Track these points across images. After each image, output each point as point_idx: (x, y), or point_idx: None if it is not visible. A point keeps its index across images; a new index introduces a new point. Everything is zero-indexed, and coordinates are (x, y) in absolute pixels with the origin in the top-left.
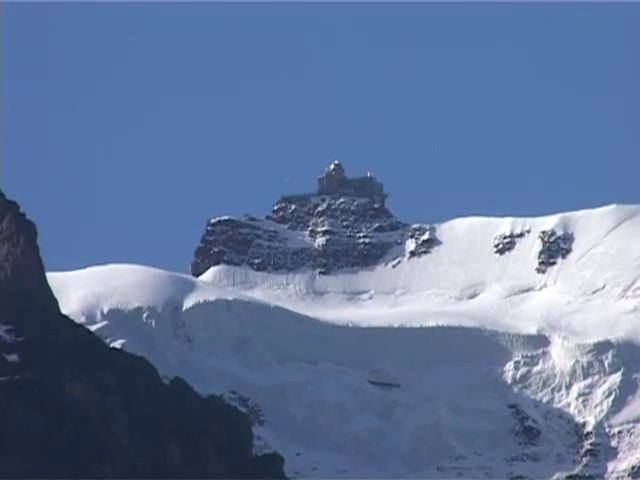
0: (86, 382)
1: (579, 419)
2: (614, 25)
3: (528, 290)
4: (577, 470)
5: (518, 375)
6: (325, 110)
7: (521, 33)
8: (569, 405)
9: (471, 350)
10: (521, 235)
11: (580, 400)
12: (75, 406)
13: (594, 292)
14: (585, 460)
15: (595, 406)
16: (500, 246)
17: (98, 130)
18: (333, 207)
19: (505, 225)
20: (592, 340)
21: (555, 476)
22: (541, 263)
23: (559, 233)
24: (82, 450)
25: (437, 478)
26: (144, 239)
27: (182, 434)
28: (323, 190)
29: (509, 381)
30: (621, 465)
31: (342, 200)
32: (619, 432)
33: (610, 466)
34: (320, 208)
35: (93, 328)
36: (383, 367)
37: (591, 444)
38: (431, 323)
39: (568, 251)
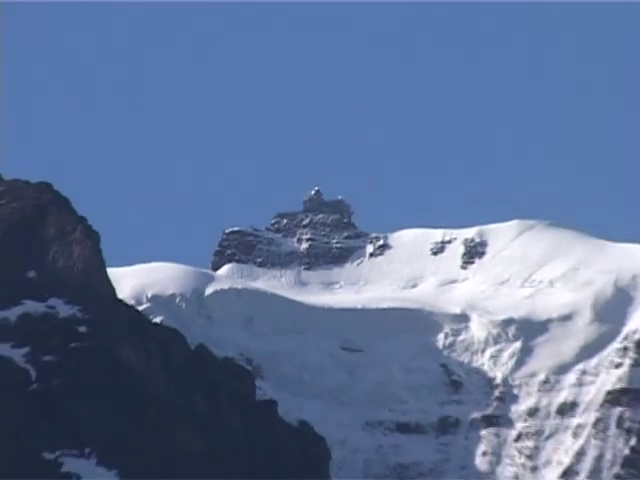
0: (136, 348)
1: (491, 374)
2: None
3: (454, 282)
4: (489, 411)
5: (447, 343)
6: (309, 146)
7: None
8: (484, 364)
9: (414, 325)
10: (449, 242)
11: (492, 361)
12: (128, 366)
13: (502, 283)
14: (495, 404)
15: (502, 365)
16: (434, 250)
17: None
18: (314, 221)
19: (438, 234)
20: (500, 317)
21: (473, 415)
22: (464, 262)
23: (477, 240)
24: (132, 399)
25: (389, 417)
26: (177, 244)
27: (205, 387)
28: (307, 209)
29: (441, 347)
30: (521, 407)
31: (321, 216)
32: (519, 384)
33: (513, 408)
34: (305, 222)
35: (140, 308)
36: (351, 337)
37: (499, 392)
38: (385, 305)
39: (483, 253)
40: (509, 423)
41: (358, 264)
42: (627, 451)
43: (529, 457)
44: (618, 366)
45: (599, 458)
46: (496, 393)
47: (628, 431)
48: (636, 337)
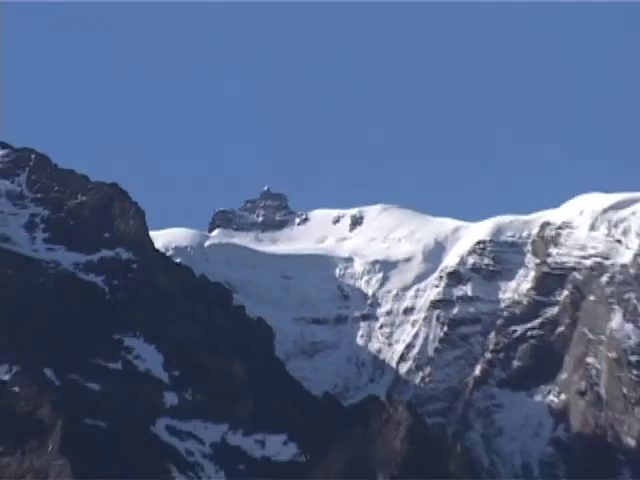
0: (166, 276)
1: (366, 291)
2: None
3: (345, 239)
4: (365, 312)
5: (341, 274)
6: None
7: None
8: (361, 285)
9: (322, 264)
10: (342, 217)
11: (366, 284)
12: (161, 286)
13: (371, 240)
14: (368, 308)
15: (372, 286)
16: (334, 221)
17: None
18: (266, 205)
19: (335, 212)
20: (371, 259)
21: (355, 314)
22: (350, 228)
23: (358, 216)
24: (159, 303)
25: (308, 315)
26: (188, 216)
27: (205, 295)
28: (262, 197)
29: (337, 276)
30: (382, 309)
31: (269, 202)
32: (381, 296)
33: (378, 310)
34: (261, 205)
35: (167, 254)
36: (286, 271)
37: (370, 301)
38: (306, 252)
39: (361, 223)
40: (376, 318)
41: (291, 229)
42: (442, 334)
43: (387, 338)
44: (436, 286)
45: (426, 338)
46: (369, 302)
47: (442, 323)
48: (447, 271)
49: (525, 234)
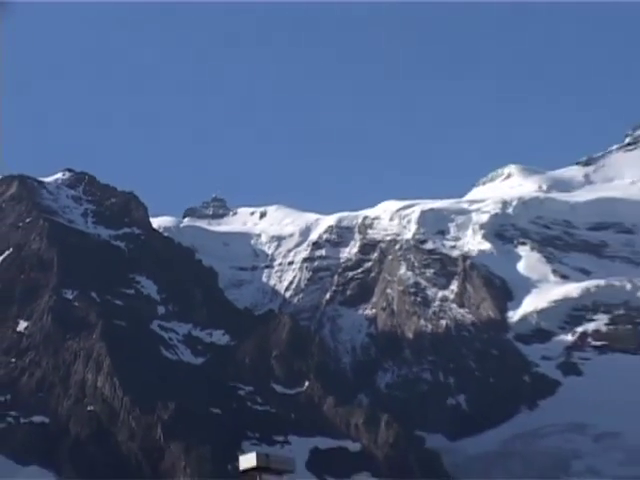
0: (162, 243)
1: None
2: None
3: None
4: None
5: (269, 247)
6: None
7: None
8: (281, 253)
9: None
10: (266, 213)
11: (282, 251)
12: (158, 249)
13: (280, 235)
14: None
15: (281, 247)
16: (260, 216)
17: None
18: (214, 204)
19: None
20: (285, 234)
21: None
22: (259, 218)
23: (273, 214)
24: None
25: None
26: (170, 208)
27: (184, 256)
28: (213, 200)
29: (265, 249)
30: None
31: (217, 203)
32: (285, 256)
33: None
34: (212, 204)
35: (165, 234)
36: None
37: (286, 259)
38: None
39: (265, 216)
40: (273, 267)
41: (228, 218)
42: (308, 276)
43: (279, 278)
44: (306, 250)
45: (300, 278)
46: (269, 258)
47: (309, 270)
48: (312, 242)
49: (354, 222)
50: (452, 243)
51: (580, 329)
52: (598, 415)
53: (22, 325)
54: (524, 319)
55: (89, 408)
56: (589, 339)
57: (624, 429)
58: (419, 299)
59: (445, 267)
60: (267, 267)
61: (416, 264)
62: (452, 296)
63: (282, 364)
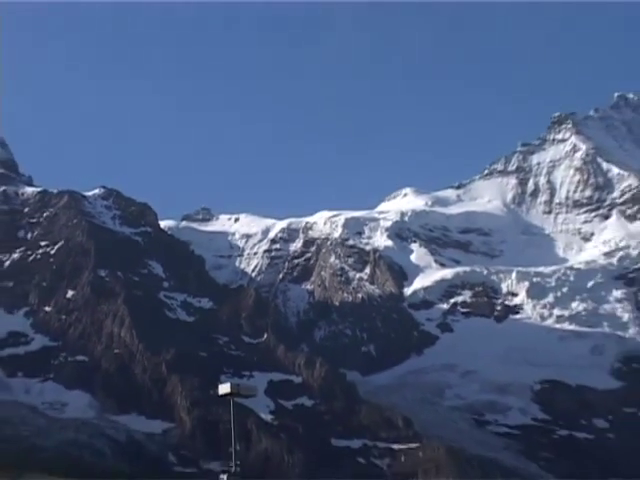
0: (164, 235)
1: (241, 243)
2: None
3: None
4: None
5: (241, 242)
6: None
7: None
8: (256, 244)
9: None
10: (238, 219)
11: (254, 242)
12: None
13: (246, 232)
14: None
15: (254, 237)
16: (234, 219)
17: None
18: (203, 213)
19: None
20: (259, 230)
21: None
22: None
23: (242, 218)
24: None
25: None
26: (172, 213)
27: (175, 246)
28: (202, 209)
29: (239, 244)
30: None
31: (204, 212)
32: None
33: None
34: (201, 212)
35: (168, 233)
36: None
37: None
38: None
39: (238, 220)
40: (243, 255)
41: (213, 222)
42: (268, 261)
43: (247, 262)
44: (267, 244)
45: (263, 263)
46: (241, 248)
47: (268, 258)
48: (270, 238)
49: (299, 225)
50: (366, 241)
51: (452, 300)
52: (463, 359)
53: (70, 293)
54: (415, 293)
55: (115, 351)
56: (458, 307)
57: (480, 368)
58: (343, 279)
59: (361, 257)
60: (239, 256)
61: (342, 255)
62: (366, 277)
63: (249, 322)
